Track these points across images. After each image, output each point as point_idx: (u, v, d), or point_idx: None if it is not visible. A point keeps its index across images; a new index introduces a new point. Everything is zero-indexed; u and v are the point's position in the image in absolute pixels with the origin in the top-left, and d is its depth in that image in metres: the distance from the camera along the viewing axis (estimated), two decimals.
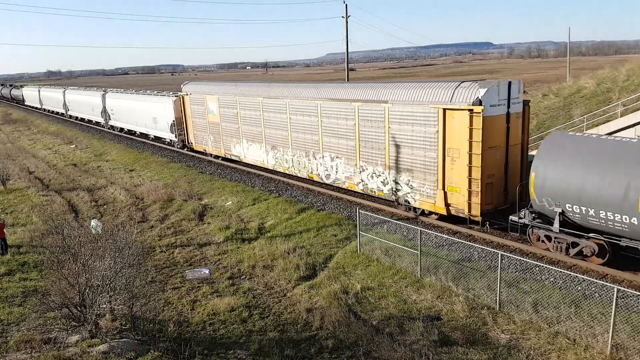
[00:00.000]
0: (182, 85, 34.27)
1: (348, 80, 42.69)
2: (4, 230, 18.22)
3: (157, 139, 40.58)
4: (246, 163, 29.04)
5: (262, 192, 24.57)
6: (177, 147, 36.87)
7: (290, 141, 24.64)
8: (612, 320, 10.20)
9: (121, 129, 47.78)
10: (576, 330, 10.96)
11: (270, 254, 16.84)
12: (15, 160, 39.17)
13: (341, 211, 20.81)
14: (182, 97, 33.89)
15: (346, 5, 40.43)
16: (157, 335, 11.63)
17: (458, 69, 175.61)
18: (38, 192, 27.44)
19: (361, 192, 21.22)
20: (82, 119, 59.64)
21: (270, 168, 26.76)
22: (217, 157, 32.02)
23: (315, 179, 23.70)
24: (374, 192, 20.48)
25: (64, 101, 63.96)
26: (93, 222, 18.72)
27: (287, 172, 25.60)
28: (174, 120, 35.52)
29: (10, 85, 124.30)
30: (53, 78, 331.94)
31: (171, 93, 39.14)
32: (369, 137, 20.23)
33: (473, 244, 15.34)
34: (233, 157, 29.82)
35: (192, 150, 34.67)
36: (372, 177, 20.50)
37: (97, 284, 10.87)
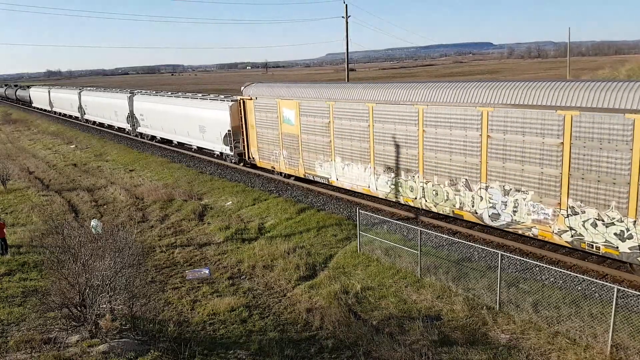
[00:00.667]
0: (242, 88, 27.63)
1: (348, 81, 42.52)
2: (4, 230, 18.23)
3: (200, 150, 34.26)
4: (338, 187, 22.72)
5: (262, 192, 24.57)
6: (231, 162, 30.20)
7: (422, 162, 17.93)
8: (612, 320, 10.20)
9: (152, 137, 40.87)
10: (576, 330, 10.96)
11: (270, 254, 16.84)
12: (15, 160, 39.19)
13: (341, 211, 20.81)
14: (243, 102, 27.15)
15: (346, 5, 40.47)
16: (157, 335, 11.62)
17: (458, 69, 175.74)
18: (38, 192, 27.46)
19: (566, 245, 14.56)
20: (101, 124, 52.58)
21: (381, 197, 20.22)
22: (289, 176, 25.79)
23: (467, 217, 16.93)
24: (597, 248, 13.66)
25: (80, 104, 56.92)
26: (93, 222, 18.72)
27: (410, 203, 18.96)
28: (229, 130, 28.39)
29: (15, 86, 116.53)
30: (53, 78, 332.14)
31: (222, 96, 33.11)
32: (592, 164, 13.41)
33: (473, 244, 15.33)
34: (317, 179, 23.43)
35: (254, 166, 28.15)
36: (594, 225, 13.67)
37: (97, 284, 10.87)
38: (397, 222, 17.37)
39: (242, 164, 29.21)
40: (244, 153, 28.27)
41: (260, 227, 19.86)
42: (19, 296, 14.03)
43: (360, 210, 16.88)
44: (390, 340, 11.23)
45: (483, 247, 14.53)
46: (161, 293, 14.63)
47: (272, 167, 26.29)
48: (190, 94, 37.80)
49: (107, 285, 10.93)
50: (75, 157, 39.02)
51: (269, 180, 26.64)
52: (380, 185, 20.07)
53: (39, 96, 78.58)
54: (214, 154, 32.12)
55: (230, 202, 23.51)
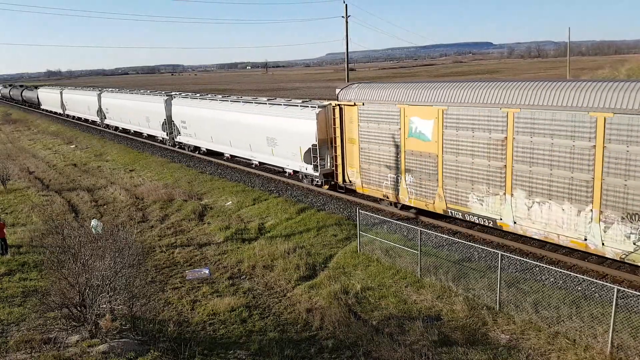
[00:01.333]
0: (339, 90, 21.33)
1: (348, 80, 42.63)
2: (4, 230, 18.24)
3: (261, 165, 28.28)
4: (513, 234, 16.12)
5: (262, 192, 24.56)
6: (312, 184, 24.22)
7: None
8: (612, 321, 10.20)
9: (195, 148, 34.92)
10: (576, 330, 10.96)
11: (270, 254, 16.85)
12: (15, 160, 39.19)
13: (341, 211, 20.80)
14: (340, 109, 21.04)
15: (346, 5, 40.46)
16: (157, 335, 11.63)
17: (458, 69, 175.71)
18: (38, 192, 27.46)
19: None
20: (125, 131, 46.75)
21: (611, 257, 13.55)
22: (407, 208, 19.57)
23: None
24: None
25: (100, 106, 50.56)
26: (93, 222, 18.73)
27: None
28: (313, 145, 22.54)
29: (21, 86, 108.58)
30: (53, 78, 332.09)
31: (299, 100, 26.57)
32: None
33: (473, 244, 15.34)
34: (472, 218, 16.87)
35: (349, 191, 22.09)
36: None
37: (97, 284, 10.88)
38: (397, 222, 17.36)
39: (327, 186, 23.27)
40: (336, 174, 22.19)
41: (260, 227, 19.86)
42: (19, 296, 14.03)
43: (360, 210, 16.88)
44: (390, 341, 11.23)
45: (483, 247, 14.53)
46: (161, 293, 14.63)
47: (383, 195, 19.96)
48: (251, 98, 31.91)
49: (107, 285, 10.94)
50: (75, 157, 39.02)
51: (269, 180, 26.57)
52: (611, 240, 13.28)
53: (49, 97, 72.40)
54: (285, 172, 26.11)
55: (230, 202, 23.51)
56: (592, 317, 11.26)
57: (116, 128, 49.05)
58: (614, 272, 13.69)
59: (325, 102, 23.27)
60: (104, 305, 11.03)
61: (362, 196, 21.55)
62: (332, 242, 17.69)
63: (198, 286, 15.05)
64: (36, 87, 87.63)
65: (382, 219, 17.91)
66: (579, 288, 12.94)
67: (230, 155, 31.03)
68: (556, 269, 13.04)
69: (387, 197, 19.85)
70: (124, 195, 25.96)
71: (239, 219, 21.14)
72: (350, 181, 21.58)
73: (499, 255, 12.48)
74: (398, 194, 19.25)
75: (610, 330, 10.20)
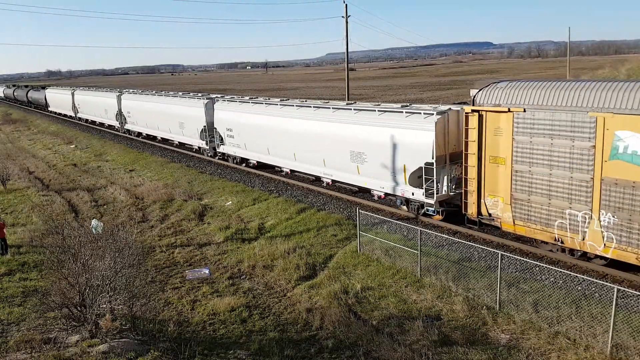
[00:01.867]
0: (477, 91, 16.21)
1: (348, 80, 42.59)
2: (4, 230, 18.25)
3: (334, 183, 23.18)
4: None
5: (262, 192, 24.56)
6: (419, 212, 19.10)
7: None
8: (612, 320, 10.21)
9: (242, 160, 29.88)
10: (576, 330, 10.96)
11: (270, 254, 16.85)
12: (15, 160, 39.19)
13: (341, 211, 20.80)
14: (479, 117, 15.81)
15: (346, 5, 40.41)
16: (157, 335, 11.64)
17: (458, 69, 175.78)
18: (38, 192, 27.46)
19: None
20: (150, 137, 41.45)
21: None
22: (587, 257, 14.46)
23: None
24: None
25: (119, 109, 45.64)
26: (93, 222, 18.74)
27: None
28: (428, 163, 17.61)
29: (26, 86, 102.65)
30: (53, 78, 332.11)
31: (397, 105, 21.45)
32: None
33: (473, 244, 15.33)
34: None
35: (484, 226, 16.97)
36: None
37: (97, 284, 10.89)
38: (397, 222, 17.36)
39: (440, 217, 18.56)
40: (464, 204, 16.86)
41: (260, 227, 19.86)
42: (19, 296, 14.04)
43: (360, 210, 16.88)
44: (390, 340, 11.23)
45: (483, 247, 14.53)
46: (161, 293, 14.64)
47: (555, 238, 14.67)
48: (321, 102, 26.38)
49: (107, 285, 10.94)
50: (75, 157, 39.02)
51: (269, 180, 26.57)
52: None
53: (58, 99, 66.55)
54: (374, 194, 20.93)
55: (230, 202, 23.51)
56: (592, 317, 11.27)
57: (139, 134, 43.71)
58: (614, 272, 13.69)
59: (444, 107, 18.77)
60: (104, 305, 11.03)
61: (508, 235, 16.37)
62: (332, 242, 17.69)
63: (198, 286, 15.06)
64: (43, 88, 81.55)
65: (382, 218, 17.91)
66: (579, 288, 12.94)
67: (291, 170, 25.94)
68: (556, 268, 13.05)
69: (561, 242, 14.61)
70: (124, 195, 25.97)
71: (239, 219, 21.14)
72: (489, 214, 16.26)
73: (499, 255, 12.48)
74: (584, 239, 13.98)
75: (610, 330, 10.21)
